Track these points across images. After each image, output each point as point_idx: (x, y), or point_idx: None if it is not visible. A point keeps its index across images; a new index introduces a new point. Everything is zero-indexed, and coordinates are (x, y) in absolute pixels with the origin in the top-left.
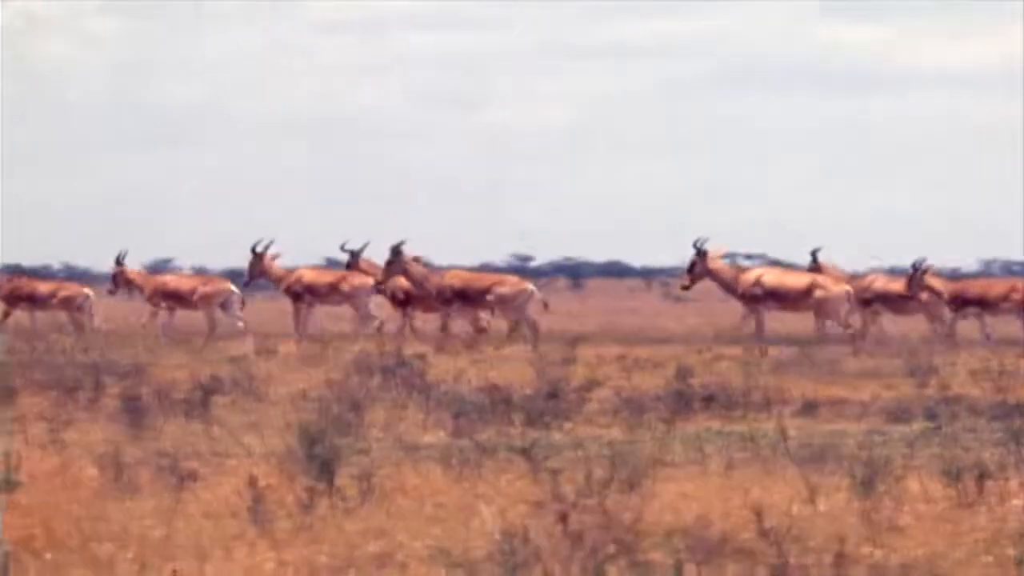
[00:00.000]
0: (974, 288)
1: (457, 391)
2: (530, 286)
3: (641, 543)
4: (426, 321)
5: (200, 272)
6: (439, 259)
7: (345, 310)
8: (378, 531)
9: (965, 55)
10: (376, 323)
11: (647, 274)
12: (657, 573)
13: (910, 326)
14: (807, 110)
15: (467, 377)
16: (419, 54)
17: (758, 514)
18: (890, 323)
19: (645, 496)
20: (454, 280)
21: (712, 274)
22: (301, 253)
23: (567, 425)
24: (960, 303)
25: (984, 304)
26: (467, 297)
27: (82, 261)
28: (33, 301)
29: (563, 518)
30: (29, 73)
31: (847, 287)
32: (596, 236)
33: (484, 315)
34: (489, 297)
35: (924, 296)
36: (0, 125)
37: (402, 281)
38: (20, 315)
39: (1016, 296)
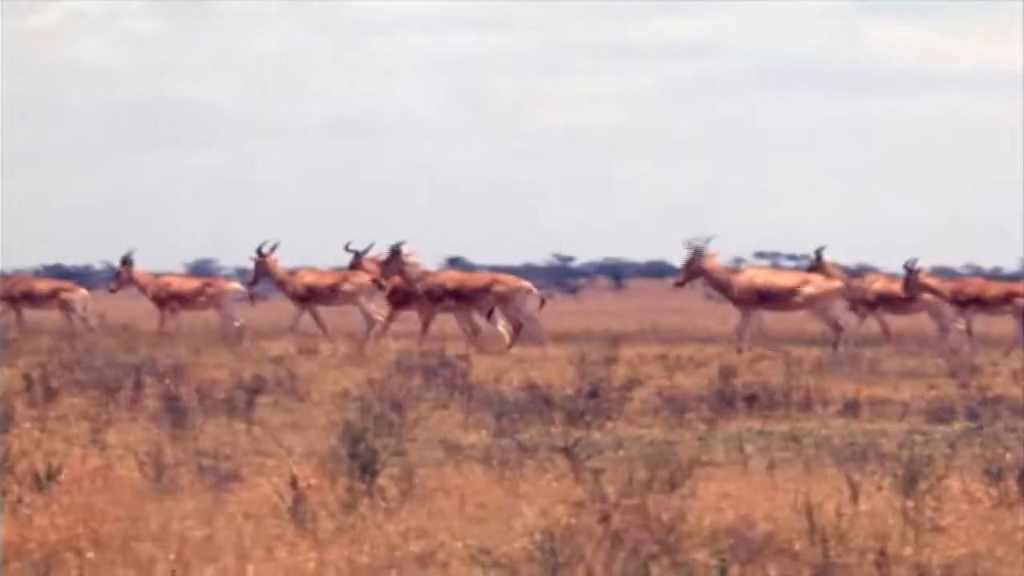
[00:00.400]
0: (972, 287)
1: (498, 391)
2: (527, 284)
3: (683, 543)
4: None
5: (244, 272)
6: (479, 260)
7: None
8: (419, 531)
9: (978, 55)
10: (378, 323)
11: None
12: (699, 573)
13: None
14: (842, 110)
15: (509, 377)
16: (453, 55)
17: (808, 514)
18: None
19: (687, 496)
20: (447, 280)
21: (706, 273)
22: (341, 254)
23: (608, 425)
24: (961, 302)
25: (982, 303)
26: (461, 297)
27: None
28: (31, 300)
29: (605, 518)
30: (72, 73)
31: (838, 284)
32: (637, 236)
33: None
34: (487, 296)
35: (927, 296)
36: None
37: (399, 280)
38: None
39: (1017, 299)
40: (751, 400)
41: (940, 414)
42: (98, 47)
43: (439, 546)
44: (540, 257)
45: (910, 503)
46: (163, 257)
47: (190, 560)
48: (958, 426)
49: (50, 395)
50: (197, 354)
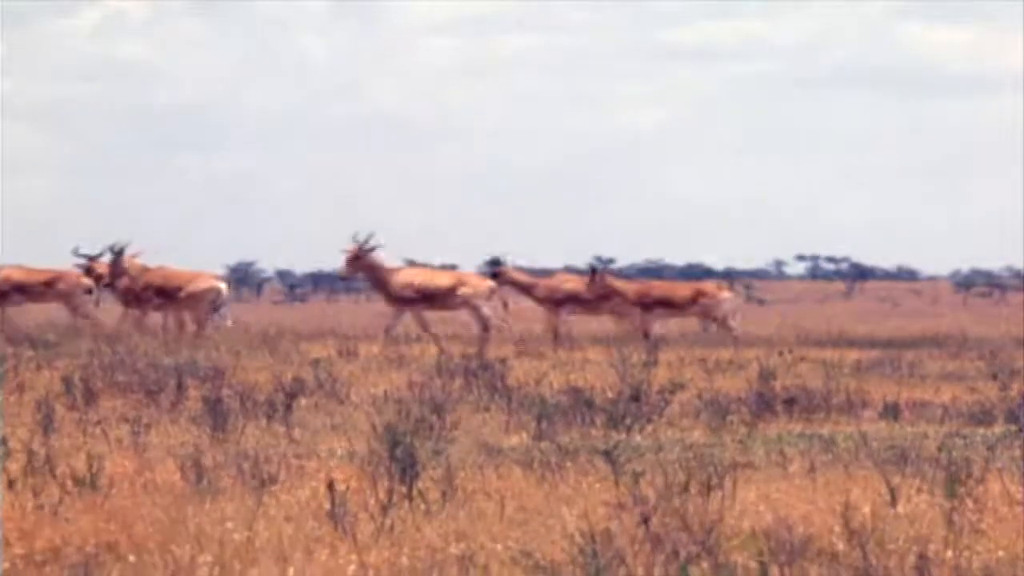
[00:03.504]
0: (658, 289)
1: (539, 394)
2: (218, 284)
3: (723, 545)
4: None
5: (284, 274)
6: (521, 261)
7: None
8: (459, 534)
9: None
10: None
11: (728, 276)
12: (739, 575)
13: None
14: (883, 112)
15: (549, 380)
16: (498, 56)
17: (847, 516)
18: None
19: (726, 498)
20: (154, 278)
21: (367, 269)
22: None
23: (648, 427)
24: (646, 304)
25: (669, 305)
26: (167, 294)
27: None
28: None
29: (645, 520)
30: (111, 75)
31: (491, 284)
32: (677, 238)
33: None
34: (181, 295)
35: (621, 299)
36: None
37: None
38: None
39: (703, 300)
40: (791, 403)
41: (980, 417)
42: (138, 49)
43: (479, 548)
44: (581, 259)
45: (950, 506)
46: (203, 258)
47: (230, 563)
48: (998, 429)
49: (90, 397)
50: (238, 357)
